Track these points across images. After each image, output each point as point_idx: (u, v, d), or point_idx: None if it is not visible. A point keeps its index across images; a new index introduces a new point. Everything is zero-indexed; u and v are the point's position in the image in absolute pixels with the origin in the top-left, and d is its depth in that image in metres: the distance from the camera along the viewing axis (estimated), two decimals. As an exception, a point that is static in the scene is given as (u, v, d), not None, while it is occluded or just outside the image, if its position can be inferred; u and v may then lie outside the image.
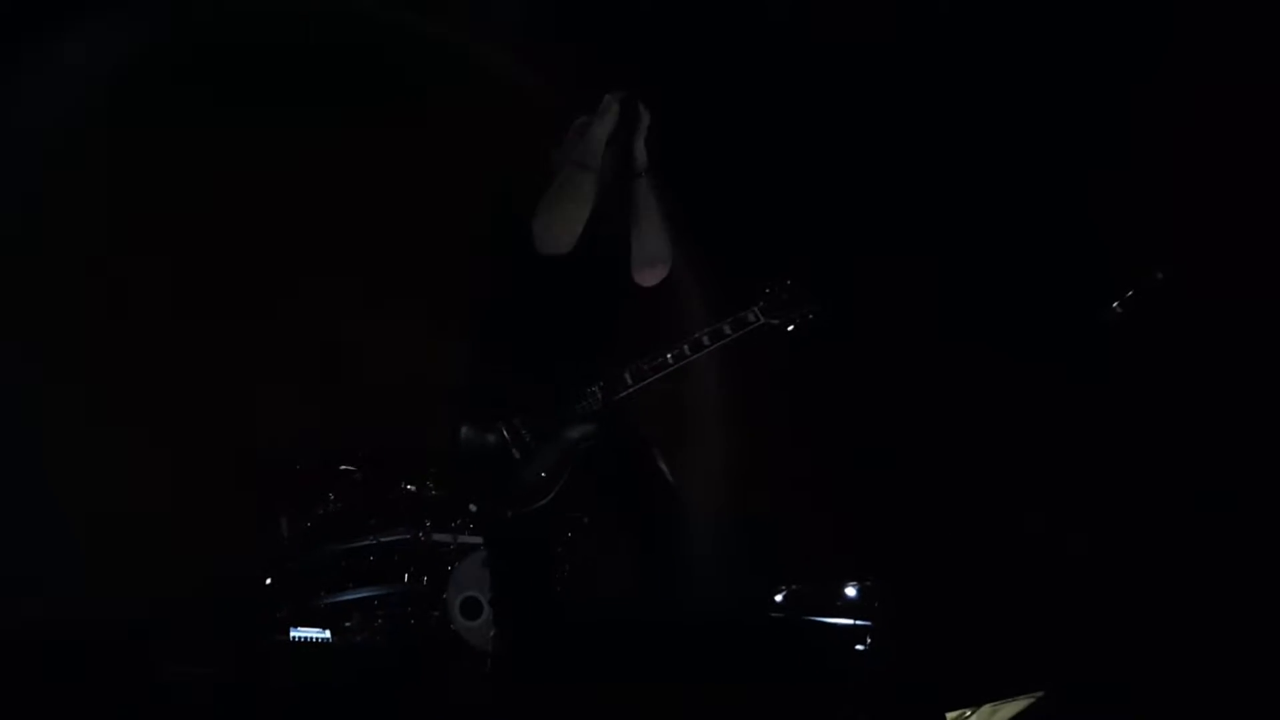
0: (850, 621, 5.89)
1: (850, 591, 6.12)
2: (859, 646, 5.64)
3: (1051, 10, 6.05)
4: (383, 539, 5.80)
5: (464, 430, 3.50)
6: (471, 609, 5.48)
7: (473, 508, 5.60)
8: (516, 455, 3.43)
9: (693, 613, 3.61)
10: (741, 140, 6.66)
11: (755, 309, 3.55)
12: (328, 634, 5.52)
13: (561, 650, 3.47)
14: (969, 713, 3.38)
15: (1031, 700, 3.44)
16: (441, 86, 6.18)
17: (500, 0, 6.12)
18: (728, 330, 3.52)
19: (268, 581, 5.80)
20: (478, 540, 5.60)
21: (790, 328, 3.56)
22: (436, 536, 5.75)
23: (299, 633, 5.54)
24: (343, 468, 5.95)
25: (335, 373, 6.11)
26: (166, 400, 5.87)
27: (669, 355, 3.49)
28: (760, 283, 3.60)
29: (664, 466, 3.56)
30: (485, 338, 3.63)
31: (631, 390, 3.49)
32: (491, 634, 4.01)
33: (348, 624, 5.64)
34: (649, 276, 3.56)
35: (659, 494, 3.52)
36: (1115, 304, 4.54)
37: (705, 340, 3.50)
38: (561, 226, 3.39)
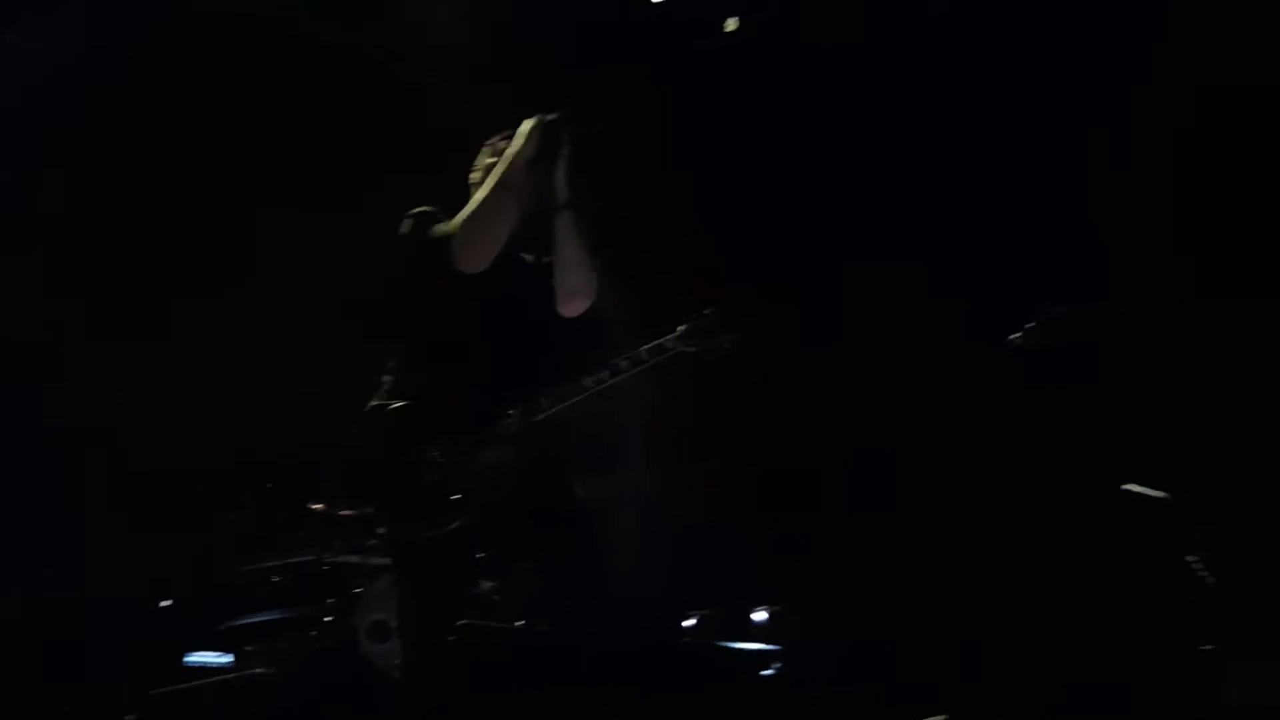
0: (759, 646, 5.91)
1: (760, 616, 6.14)
2: (766, 671, 5.66)
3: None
4: (288, 560, 5.68)
5: (378, 449, 3.45)
6: (379, 633, 5.38)
7: (381, 530, 5.52)
8: (430, 478, 3.38)
9: (604, 636, 3.61)
10: (667, 166, 6.71)
11: (674, 336, 3.57)
12: (228, 659, 5.38)
13: (471, 673, 3.44)
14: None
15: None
16: (365, 99, 6.13)
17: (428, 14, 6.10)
18: (646, 356, 3.53)
19: (165, 603, 5.64)
20: (387, 562, 5.50)
21: (708, 356, 3.59)
22: (345, 558, 5.65)
23: (197, 658, 5.39)
24: (248, 483, 5.82)
25: (242, 384, 5.98)
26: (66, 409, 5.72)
27: (588, 379, 3.49)
28: (681, 310, 3.62)
29: (581, 491, 3.56)
30: (403, 355, 3.59)
31: (550, 413, 3.47)
32: (399, 659, 3.95)
33: (249, 648, 5.50)
34: (571, 309, 3.57)
35: (575, 519, 3.51)
36: (1017, 334, 4.67)
37: (624, 365, 3.51)
38: (480, 245, 3.39)
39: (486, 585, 5.70)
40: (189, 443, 5.90)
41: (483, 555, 5.44)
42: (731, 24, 6.56)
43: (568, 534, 3.51)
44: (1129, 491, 4.73)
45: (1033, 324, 4.72)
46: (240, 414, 5.94)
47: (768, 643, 5.90)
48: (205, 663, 5.32)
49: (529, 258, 3.54)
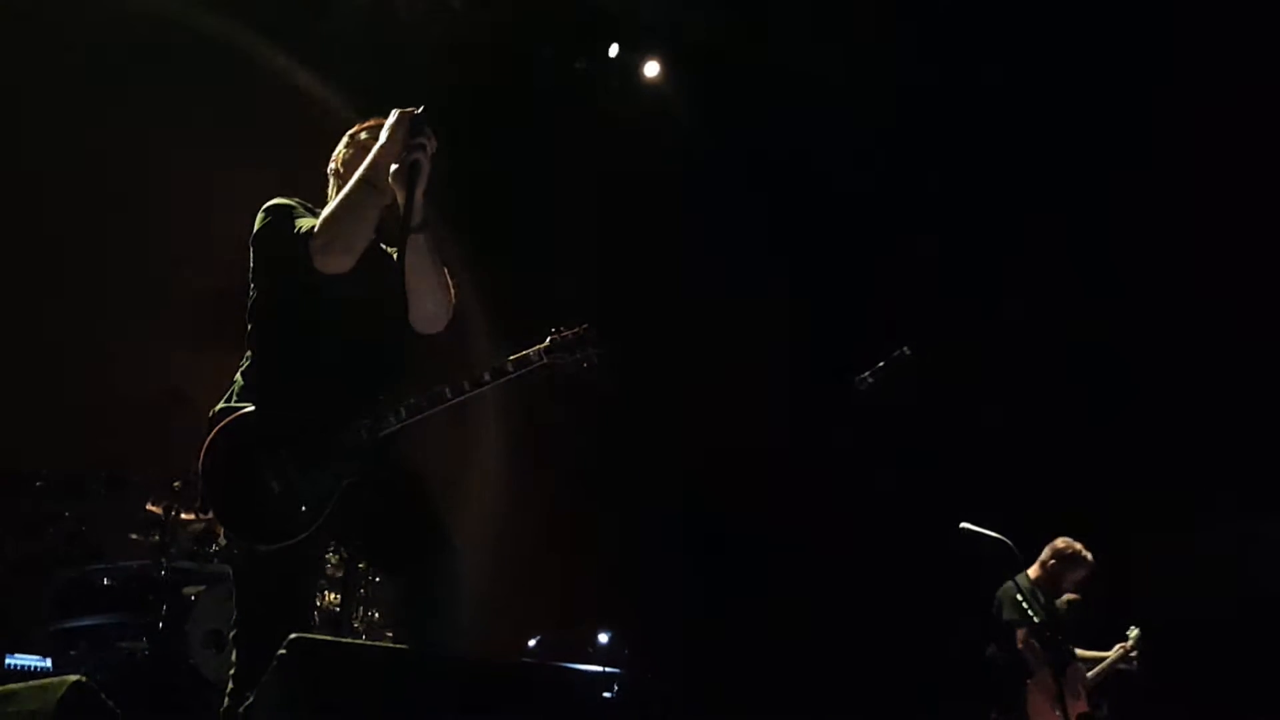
0: (599, 669, 5.77)
1: (603, 638, 6.03)
2: (606, 694, 5.51)
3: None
4: (121, 563, 5.27)
5: (222, 455, 3.15)
6: (214, 642, 5.03)
7: (222, 540, 5.18)
8: (276, 488, 3.09)
9: (450, 655, 3.38)
10: (538, 182, 6.60)
11: (539, 349, 3.37)
12: (49, 663, 4.95)
13: (311, 688, 3.17)
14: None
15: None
16: (217, 83, 5.80)
17: None
18: (510, 369, 3.32)
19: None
20: (225, 570, 5.16)
21: (574, 370, 3.41)
22: (181, 564, 5.27)
23: (15, 660, 4.95)
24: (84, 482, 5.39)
25: (84, 381, 5.57)
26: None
27: (447, 390, 3.25)
28: (547, 323, 3.44)
29: (435, 505, 3.31)
30: (254, 360, 3.28)
31: (406, 424, 3.23)
32: (232, 670, 3.67)
33: (73, 652, 5.07)
34: (426, 329, 3.32)
35: (428, 534, 3.25)
36: (867, 374, 4.74)
37: (486, 377, 3.28)
38: (342, 246, 3.09)
39: (330, 598, 5.43)
40: (23, 442, 5.47)
41: (327, 567, 5.20)
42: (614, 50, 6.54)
43: (416, 548, 3.26)
44: (965, 530, 4.77)
45: (880, 364, 4.79)
46: (76, 413, 5.53)
47: (610, 665, 5.77)
48: (23, 665, 4.87)
49: (391, 259, 3.27)
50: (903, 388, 4.74)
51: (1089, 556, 5.68)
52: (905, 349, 4.80)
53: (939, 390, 5.74)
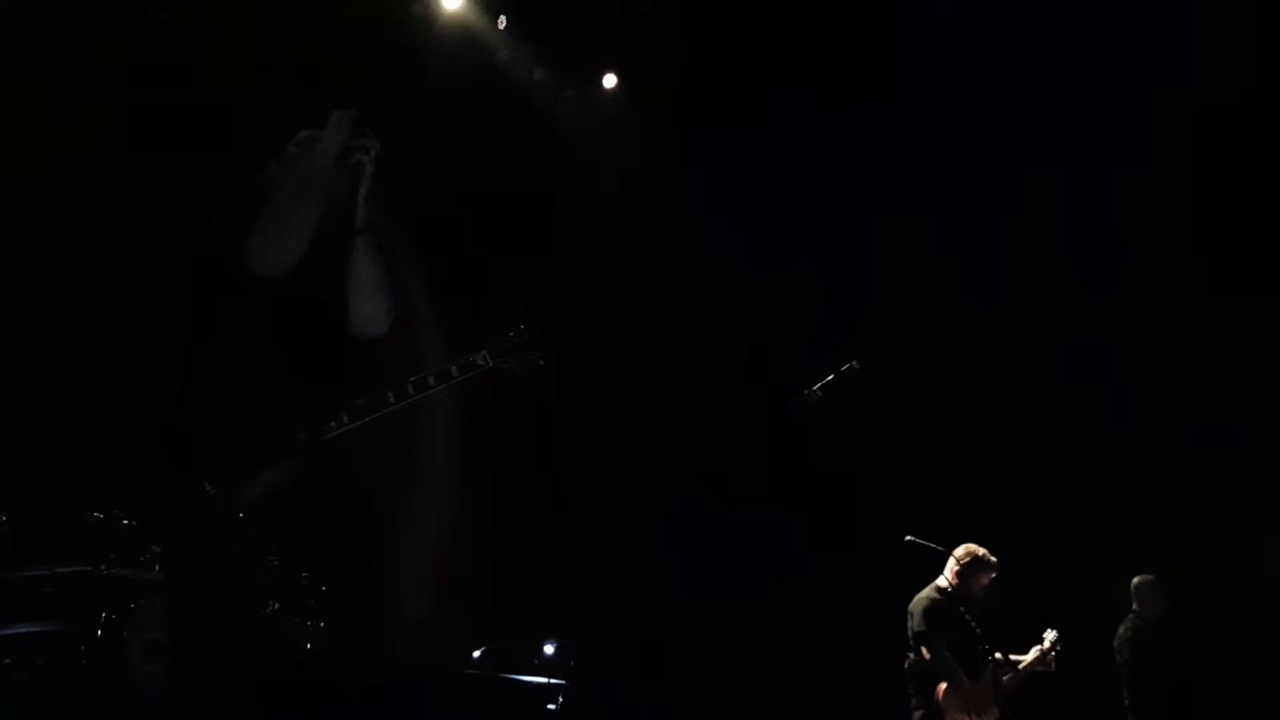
0: (545, 680, 5.66)
1: (549, 649, 5.94)
2: (551, 706, 5.42)
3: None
4: (59, 569, 5.10)
5: (154, 459, 3.04)
6: (153, 651, 4.87)
7: (156, 547, 5.04)
8: (211, 491, 2.99)
9: (391, 665, 3.30)
10: (482, 183, 6.52)
11: (484, 352, 3.32)
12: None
13: (248, 703, 3.07)
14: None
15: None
16: (154, 89, 5.67)
17: None
18: (454, 372, 3.26)
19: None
20: (165, 577, 5.00)
21: (519, 372, 3.35)
22: (120, 570, 5.11)
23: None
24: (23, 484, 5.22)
25: (22, 383, 5.40)
26: None
27: (390, 395, 3.18)
28: (491, 326, 3.38)
29: (375, 514, 3.24)
30: (192, 361, 3.18)
31: (348, 429, 3.14)
32: (171, 681, 3.53)
33: (7, 660, 4.89)
34: (366, 332, 3.25)
35: (367, 543, 3.18)
36: (815, 387, 4.79)
37: (431, 381, 3.22)
38: (280, 246, 3.03)
39: (271, 607, 5.29)
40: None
41: (267, 576, 5.07)
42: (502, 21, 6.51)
43: (355, 557, 3.18)
44: (911, 542, 4.78)
45: (829, 377, 4.83)
46: (16, 414, 5.36)
47: (555, 676, 5.67)
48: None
49: (332, 262, 3.19)
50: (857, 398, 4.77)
51: (992, 559, 5.72)
52: (854, 363, 4.84)
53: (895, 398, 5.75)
